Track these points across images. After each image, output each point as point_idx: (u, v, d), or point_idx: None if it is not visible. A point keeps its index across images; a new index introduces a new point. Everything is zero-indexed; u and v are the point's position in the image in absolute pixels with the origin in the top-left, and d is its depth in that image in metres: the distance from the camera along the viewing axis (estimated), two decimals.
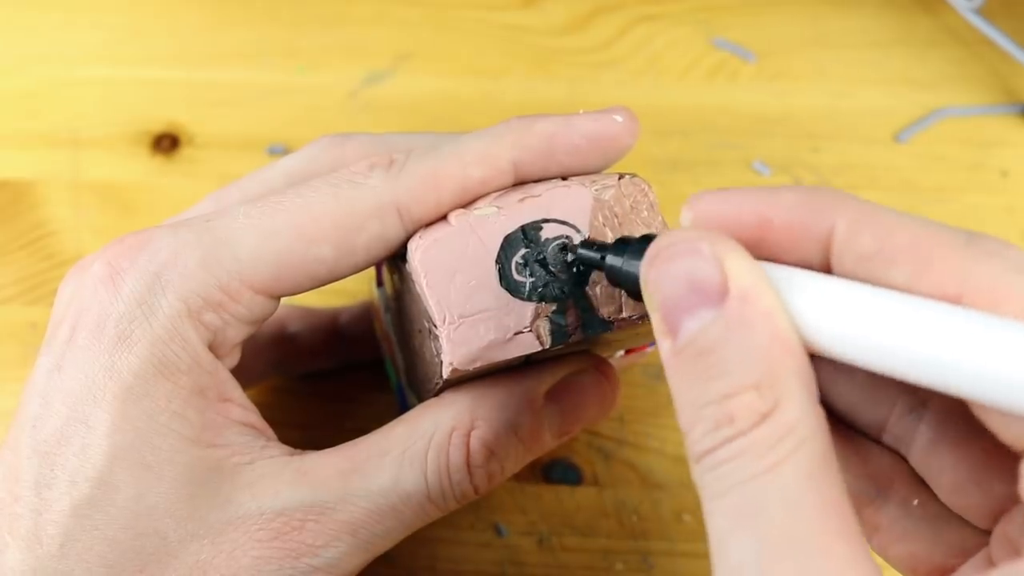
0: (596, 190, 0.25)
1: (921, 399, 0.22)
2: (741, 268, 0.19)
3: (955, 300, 0.18)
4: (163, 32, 0.48)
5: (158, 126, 0.45)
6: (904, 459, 0.23)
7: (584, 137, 0.25)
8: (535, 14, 0.49)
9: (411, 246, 0.24)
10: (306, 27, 0.48)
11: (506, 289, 0.24)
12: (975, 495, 0.21)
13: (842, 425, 0.23)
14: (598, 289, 0.24)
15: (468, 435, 0.25)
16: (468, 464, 0.25)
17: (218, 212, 0.25)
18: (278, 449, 0.26)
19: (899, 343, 0.18)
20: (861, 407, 0.23)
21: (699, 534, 0.35)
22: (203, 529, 0.24)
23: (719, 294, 0.18)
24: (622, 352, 0.32)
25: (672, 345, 0.19)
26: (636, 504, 0.36)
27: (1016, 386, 0.16)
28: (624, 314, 0.24)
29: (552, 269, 0.24)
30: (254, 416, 0.26)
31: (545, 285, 0.24)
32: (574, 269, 0.24)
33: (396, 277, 0.29)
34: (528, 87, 0.46)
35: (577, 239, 0.24)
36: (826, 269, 0.20)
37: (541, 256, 0.24)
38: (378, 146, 0.28)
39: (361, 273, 0.27)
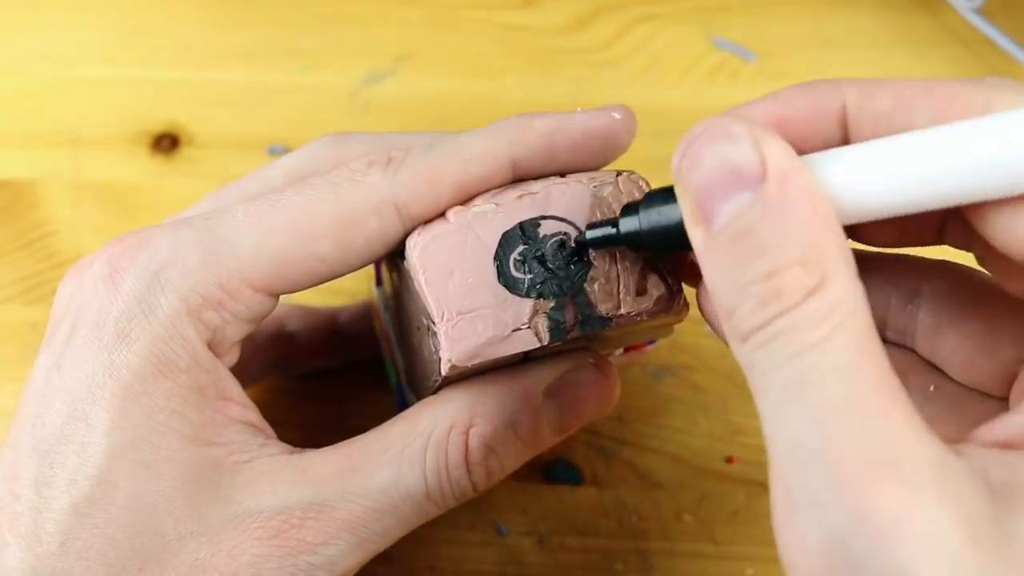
0: (594, 187, 0.25)
1: (913, 289, 0.23)
2: (777, 149, 0.19)
3: None
4: (163, 32, 0.48)
5: (158, 126, 0.45)
6: (912, 351, 0.24)
7: (582, 134, 0.25)
8: (535, 14, 0.49)
9: (409, 243, 0.24)
10: (306, 27, 0.48)
11: (504, 286, 0.24)
12: (986, 366, 0.22)
13: None
14: (596, 286, 0.24)
15: (467, 432, 0.25)
16: (467, 461, 0.25)
17: (218, 211, 0.25)
18: (277, 447, 0.26)
19: (943, 162, 0.18)
20: None
21: (699, 534, 0.35)
22: (202, 527, 0.24)
23: (757, 176, 0.18)
24: (621, 350, 0.32)
25: (706, 232, 0.19)
26: (636, 504, 0.36)
27: None
28: (622, 311, 0.24)
29: (550, 266, 0.24)
30: (253, 414, 0.26)
31: (543, 282, 0.24)
32: (573, 263, 0.24)
33: (395, 275, 0.29)
34: (528, 87, 0.46)
35: (575, 236, 0.24)
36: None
37: (539, 253, 0.24)
38: (377, 145, 0.28)
39: (360, 272, 0.27)
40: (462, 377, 0.26)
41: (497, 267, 0.24)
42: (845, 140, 0.21)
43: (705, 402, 0.38)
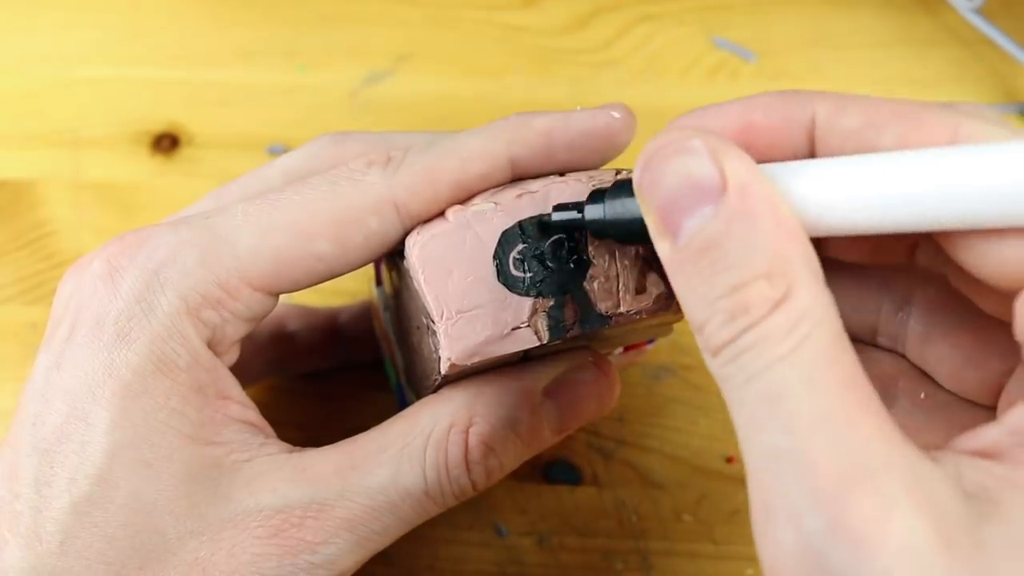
0: (593, 185, 0.25)
1: (905, 296, 0.23)
2: (736, 161, 0.19)
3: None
4: (163, 32, 0.48)
5: (158, 126, 0.45)
6: (903, 356, 0.24)
7: (581, 133, 0.25)
8: (535, 14, 0.49)
9: (409, 242, 0.24)
10: (306, 27, 0.48)
11: (504, 284, 0.24)
12: (975, 375, 0.22)
13: None
14: (596, 284, 0.24)
15: (466, 431, 0.25)
16: (466, 460, 0.25)
17: (217, 210, 0.25)
18: (277, 446, 0.26)
19: (906, 188, 0.18)
20: (848, 314, 0.23)
21: (699, 534, 0.35)
22: (202, 526, 0.24)
23: (717, 189, 0.18)
24: (621, 349, 0.32)
25: (672, 245, 0.19)
26: (636, 504, 0.36)
27: None
28: (622, 309, 0.24)
29: (549, 264, 0.24)
30: (253, 413, 0.26)
31: (542, 280, 0.24)
32: (572, 261, 0.24)
33: (394, 274, 0.29)
34: (528, 87, 0.46)
35: (542, 216, 0.24)
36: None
37: (538, 251, 0.24)
38: (377, 144, 0.28)
39: (360, 272, 0.27)
40: (462, 376, 0.26)
41: (496, 266, 0.24)
42: (812, 153, 0.21)
43: (705, 402, 0.38)
